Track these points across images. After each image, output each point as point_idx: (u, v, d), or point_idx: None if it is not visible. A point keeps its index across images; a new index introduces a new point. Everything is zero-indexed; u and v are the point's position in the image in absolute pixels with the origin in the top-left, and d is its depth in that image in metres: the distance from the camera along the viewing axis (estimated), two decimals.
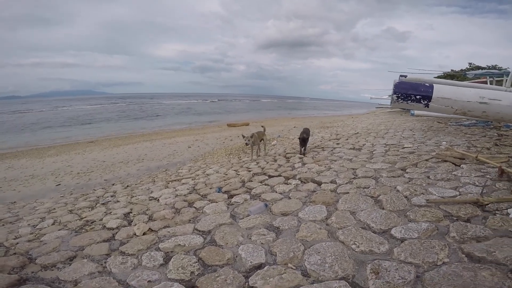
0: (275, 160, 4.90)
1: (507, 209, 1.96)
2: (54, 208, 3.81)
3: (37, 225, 3.01)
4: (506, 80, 6.48)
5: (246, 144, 5.33)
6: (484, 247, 1.54)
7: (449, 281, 1.31)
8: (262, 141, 5.94)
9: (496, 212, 1.96)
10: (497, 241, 1.58)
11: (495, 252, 1.47)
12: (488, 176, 2.69)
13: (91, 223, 2.83)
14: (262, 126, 6.34)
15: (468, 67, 21.85)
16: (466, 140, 4.85)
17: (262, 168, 4.34)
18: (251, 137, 5.32)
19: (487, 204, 2.04)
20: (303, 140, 5.20)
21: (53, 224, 2.99)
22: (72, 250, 2.16)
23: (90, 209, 3.50)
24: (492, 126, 6.25)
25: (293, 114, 31.38)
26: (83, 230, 2.64)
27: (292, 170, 3.96)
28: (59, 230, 2.70)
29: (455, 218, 1.94)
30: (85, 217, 3.06)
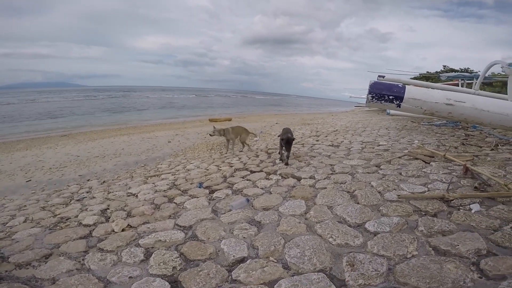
0: (257, 156, 4.95)
1: (469, 204, 2.12)
2: (25, 205, 3.63)
3: (7, 223, 2.86)
4: (475, 82, 6.93)
5: (210, 135, 5.90)
6: (449, 240, 1.66)
7: (418, 273, 1.41)
8: (240, 137, 6.02)
9: (460, 207, 2.12)
10: (460, 235, 1.71)
11: (458, 245, 1.59)
12: (454, 173, 2.89)
13: (66, 220, 2.74)
14: (253, 133, 6.59)
15: (443, 69, 22.95)
16: (436, 139, 5.15)
17: (244, 164, 4.38)
18: (223, 130, 5.77)
19: (452, 200, 2.20)
20: (288, 142, 3.97)
21: (24, 221, 2.86)
22: (47, 248, 2.10)
23: (64, 205, 3.37)
24: (460, 127, 6.65)
25: (276, 110, 31.51)
26: (58, 227, 2.56)
27: (273, 165, 4.03)
28: (32, 227, 2.59)
29: (423, 213, 2.08)
30: (59, 214, 2.95)
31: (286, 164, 3.93)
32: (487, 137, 5.11)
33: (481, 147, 4.24)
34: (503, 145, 4.20)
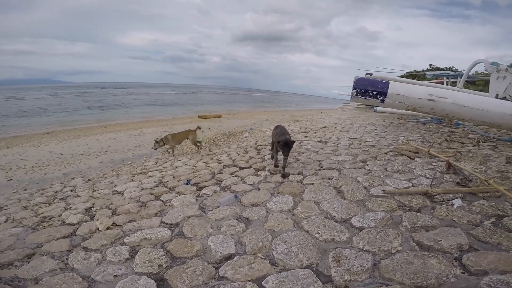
0: (246, 152, 4.94)
1: (451, 199, 2.16)
2: (6, 205, 3.52)
3: None
4: (460, 81, 7.13)
5: (154, 148, 6.12)
6: (432, 236, 1.68)
7: (402, 269, 1.42)
8: (189, 140, 6.14)
9: (443, 202, 2.15)
10: (443, 230, 1.73)
11: (441, 240, 1.61)
12: (437, 169, 2.95)
13: (49, 219, 2.68)
14: (198, 127, 6.58)
15: (429, 68, 23.40)
16: (421, 136, 5.26)
17: (233, 160, 4.36)
18: (162, 139, 5.99)
19: (435, 195, 2.24)
20: (286, 145, 3.19)
21: (5, 221, 2.78)
22: (29, 248, 2.04)
23: (47, 204, 3.29)
24: (444, 124, 6.81)
25: (266, 107, 31.54)
26: (41, 226, 2.50)
27: (262, 161, 4.03)
28: (13, 227, 2.52)
29: (407, 208, 2.11)
30: (42, 213, 2.88)
31: (283, 176, 3.17)
32: (469, 133, 5.25)
33: (463, 143, 4.36)
34: (484, 142, 4.33)
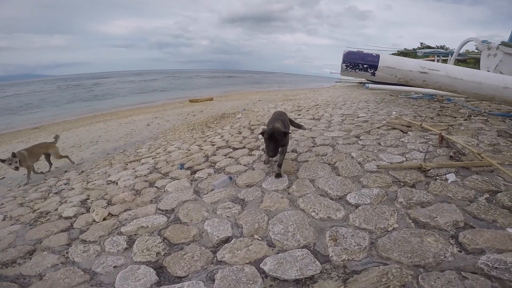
0: (240, 133, 4.90)
1: (445, 174, 2.15)
2: (2, 203, 3.47)
3: None
4: (450, 59, 7.12)
5: (14, 168, 4.31)
6: (427, 212, 1.66)
7: (399, 247, 1.41)
8: (52, 155, 5.11)
9: (437, 177, 2.14)
10: (438, 207, 1.72)
11: (437, 217, 1.59)
12: (430, 142, 2.97)
13: (46, 214, 2.66)
14: (54, 138, 5.37)
15: (420, 46, 23.19)
16: (413, 111, 5.27)
17: (227, 141, 4.33)
18: (18, 156, 4.37)
19: (429, 170, 2.23)
20: (271, 138, 2.35)
21: (3, 220, 2.74)
22: (29, 244, 2.04)
23: (42, 200, 3.24)
24: (436, 99, 6.84)
25: (258, 88, 31.16)
26: (38, 222, 2.48)
27: (256, 141, 4.00)
28: (12, 225, 2.49)
29: (402, 184, 2.10)
30: (38, 209, 2.85)
31: (277, 176, 2.49)
32: (460, 108, 5.28)
33: (455, 117, 4.39)
34: (475, 116, 4.37)
